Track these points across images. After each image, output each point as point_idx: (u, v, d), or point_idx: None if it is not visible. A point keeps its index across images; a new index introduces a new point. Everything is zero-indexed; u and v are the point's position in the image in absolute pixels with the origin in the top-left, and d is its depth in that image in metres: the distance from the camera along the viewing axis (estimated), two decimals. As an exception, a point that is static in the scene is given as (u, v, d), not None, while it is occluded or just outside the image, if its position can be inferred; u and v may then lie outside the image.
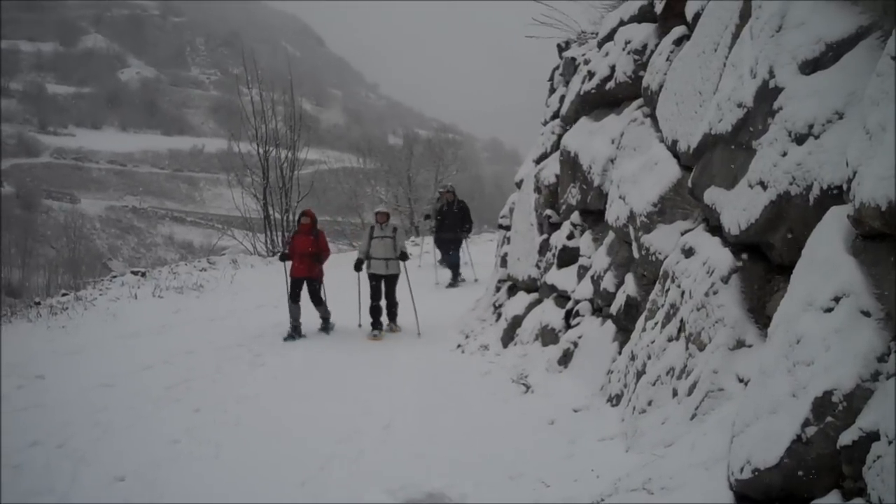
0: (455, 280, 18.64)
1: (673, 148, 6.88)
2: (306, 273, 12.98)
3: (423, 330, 13.11)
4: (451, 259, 18.73)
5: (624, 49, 8.79)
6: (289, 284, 13.11)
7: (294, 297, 12.89)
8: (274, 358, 11.27)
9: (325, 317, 13.36)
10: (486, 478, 5.89)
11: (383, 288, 13.26)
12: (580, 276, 9.12)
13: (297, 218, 14.12)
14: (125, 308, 15.96)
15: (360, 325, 13.34)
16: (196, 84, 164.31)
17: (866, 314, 3.20)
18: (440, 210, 19.04)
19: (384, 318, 13.37)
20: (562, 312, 9.33)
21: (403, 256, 13.21)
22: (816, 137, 4.09)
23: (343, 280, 15.08)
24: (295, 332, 12.78)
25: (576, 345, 8.42)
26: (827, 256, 3.61)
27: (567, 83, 11.67)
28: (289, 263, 13.32)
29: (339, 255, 22.01)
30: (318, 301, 13.17)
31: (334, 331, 13.30)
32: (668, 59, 7.52)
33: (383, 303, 13.32)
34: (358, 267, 13.24)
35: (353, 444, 7.17)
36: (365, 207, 38.27)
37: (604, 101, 9.59)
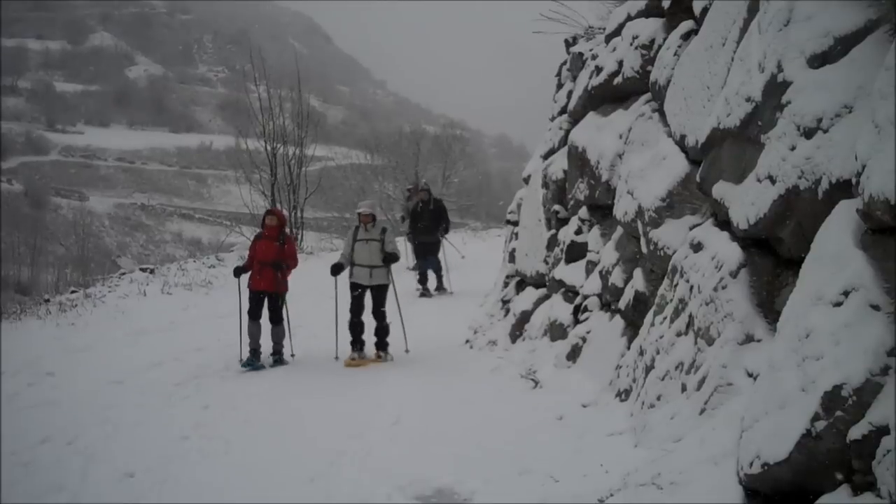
0: (440, 286, 17.03)
1: (681, 142, 6.87)
2: (270, 286, 10.91)
3: (411, 350, 11.34)
4: (432, 266, 16.98)
5: (631, 44, 8.77)
6: (246, 300, 11.08)
7: (254, 314, 10.85)
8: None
9: (280, 345, 11.04)
10: (495, 473, 5.90)
11: (368, 302, 11.08)
12: (588, 272, 9.11)
13: (261, 219, 11.61)
14: (134, 305, 16.01)
15: (336, 358, 10.97)
16: (204, 81, 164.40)
17: (876, 308, 3.19)
18: (414, 211, 17.18)
19: (369, 347, 11.10)
20: (570, 308, 9.33)
21: (389, 258, 11.00)
22: (825, 131, 4.08)
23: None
24: (254, 358, 10.65)
25: (584, 340, 8.42)
26: (836, 250, 3.60)
27: (574, 79, 11.65)
28: (245, 278, 11.21)
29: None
30: (277, 319, 11.00)
31: (297, 361, 11.10)
32: (675, 54, 7.50)
33: (367, 318, 11.09)
34: (336, 270, 11.11)
35: (361, 441, 7.17)
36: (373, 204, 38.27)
37: (611, 96, 9.57)
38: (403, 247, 18.56)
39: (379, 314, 11.08)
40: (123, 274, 22.17)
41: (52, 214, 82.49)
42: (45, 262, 60.64)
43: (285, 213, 11.60)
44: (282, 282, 11.05)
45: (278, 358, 10.96)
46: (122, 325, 14.00)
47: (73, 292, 19.32)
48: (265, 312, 10.91)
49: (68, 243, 65.14)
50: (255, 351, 10.71)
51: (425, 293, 16.71)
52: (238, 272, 11.27)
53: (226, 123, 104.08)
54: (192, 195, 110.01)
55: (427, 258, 16.90)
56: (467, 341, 11.94)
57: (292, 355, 11.14)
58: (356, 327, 11.00)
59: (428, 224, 16.74)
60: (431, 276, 17.01)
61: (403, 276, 17.13)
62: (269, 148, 26.16)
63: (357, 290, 11.03)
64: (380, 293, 11.10)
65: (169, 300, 16.69)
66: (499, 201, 43.14)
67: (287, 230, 11.54)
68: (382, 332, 11.09)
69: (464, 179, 44.90)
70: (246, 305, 10.99)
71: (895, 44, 3.40)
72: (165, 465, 6.80)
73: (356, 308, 11.00)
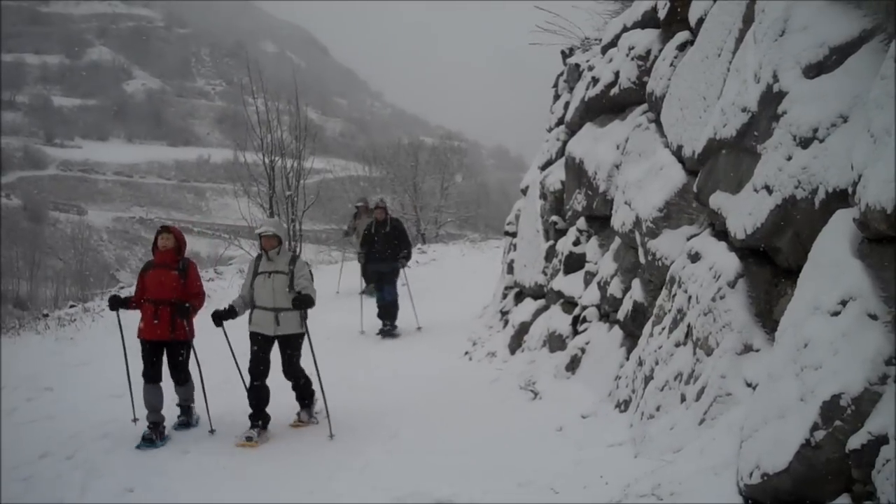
0: (392, 327, 13.62)
1: (678, 153, 6.88)
2: (168, 334, 8.16)
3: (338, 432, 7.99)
4: (387, 297, 13.65)
5: (628, 55, 8.80)
6: (129, 353, 8.51)
7: (151, 376, 8.11)
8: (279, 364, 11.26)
9: (187, 403, 8.47)
10: (495, 485, 5.88)
11: (278, 356, 8.28)
12: (587, 282, 9.12)
13: (153, 240, 8.54)
14: (133, 319, 15.94)
15: (211, 430, 8.28)
16: (201, 95, 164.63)
17: (873, 317, 3.20)
18: (368, 231, 13.96)
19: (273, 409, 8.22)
20: (569, 318, 9.33)
21: (301, 302, 7.94)
22: (821, 141, 4.09)
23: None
24: (154, 433, 7.83)
25: (583, 351, 8.41)
26: (833, 260, 3.61)
27: (571, 90, 11.68)
28: (131, 316, 8.59)
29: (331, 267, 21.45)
30: (181, 377, 8.31)
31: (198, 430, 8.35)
32: (671, 65, 7.53)
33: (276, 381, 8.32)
34: (220, 318, 8.23)
35: (360, 454, 7.16)
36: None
37: (608, 107, 9.60)
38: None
39: (292, 373, 8.35)
40: (122, 287, 22.13)
41: (50, 229, 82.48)
42: (44, 276, 60.58)
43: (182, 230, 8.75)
44: (185, 326, 8.31)
45: (184, 420, 8.40)
46: (120, 339, 13.94)
47: (71, 307, 19.32)
48: (165, 369, 8.28)
49: (67, 257, 65.11)
50: (155, 425, 7.94)
51: (389, 332, 13.60)
52: (115, 303, 8.46)
53: (224, 136, 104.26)
54: (191, 208, 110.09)
55: (382, 289, 13.74)
56: (466, 353, 11.92)
57: (211, 431, 8.20)
58: (257, 394, 8.09)
59: (383, 249, 13.60)
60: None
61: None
62: (267, 161, 26.14)
63: (257, 344, 8.19)
64: (291, 346, 8.27)
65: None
66: (497, 212, 43.20)
67: (188, 256, 8.68)
68: (301, 389, 8.50)
69: (462, 191, 44.98)
70: (134, 355, 8.50)
71: (890, 53, 3.41)
72: (165, 479, 6.78)
73: (257, 367, 8.13)
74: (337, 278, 17.95)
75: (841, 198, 3.82)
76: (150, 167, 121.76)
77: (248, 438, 7.74)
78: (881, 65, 3.51)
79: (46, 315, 18.00)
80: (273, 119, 26.72)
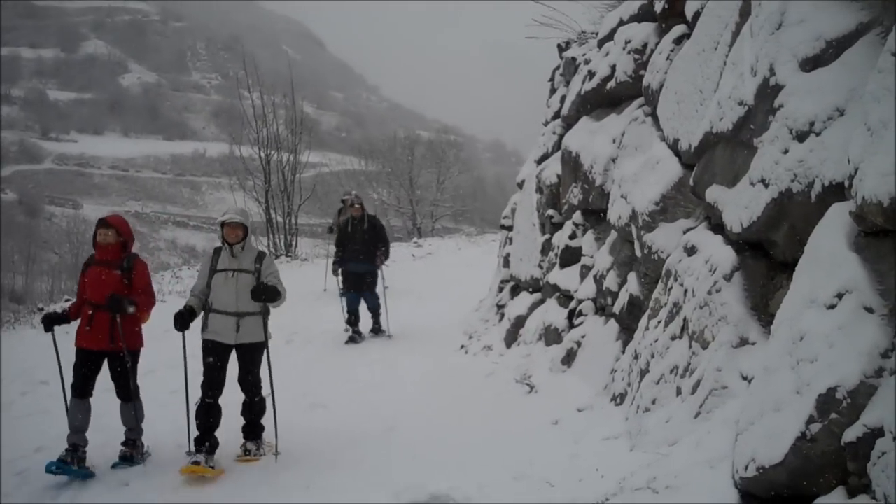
0: (379, 326, 13.07)
1: (674, 147, 6.88)
2: (107, 344, 7.03)
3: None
4: (367, 302, 12.88)
5: (624, 48, 8.79)
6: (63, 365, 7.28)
7: (81, 388, 7.04)
8: (278, 359, 11.24)
9: (135, 430, 7.27)
10: (491, 478, 5.88)
11: (236, 368, 7.28)
12: (583, 276, 9.12)
13: (93, 233, 7.32)
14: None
15: (189, 451, 6.93)
16: (197, 88, 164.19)
17: (869, 310, 3.20)
18: (343, 230, 13.07)
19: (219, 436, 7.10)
20: (565, 312, 9.33)
21: (262, 292, 6.95)
22: (818, 134, 4.09)
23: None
24: (72, 458, 6.71)
25: (579, 344, 8.42)
26: (829, 253, 3.61)
27: (568, 83, 11.68)
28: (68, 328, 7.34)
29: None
30: (126, 392, 7.19)
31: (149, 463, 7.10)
32: (668, 58, 7.52)
33: (228, 399, 7.17)
34: (182, 321, 7.09)
35: (356, 448, 7.16)
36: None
37: (604, 100, 9.59)
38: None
39: (249, 384, 7.31)
40: (67, 300, 22.12)
41: (45, 223, 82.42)
42: (39, 270, 60.61)
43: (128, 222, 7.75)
44: (130, 333, 7.13)
45: (128, 454, 7.10)
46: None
47: (67, 301, 19.28)
48: (103, 383, 7.18)
49: (62, 252, 65.05)
50: (75, 447, 6.82)
51: (354, 337, 12.64)
52: (50, 322, 7.37)
53: (220, 130, 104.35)
54: (187, 202, 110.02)
55: (360, 293, 12.83)
56: (462, 346, 11.93)
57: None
58: (209, 413, 7.03)
59: (361, 248, 12.72)
60: (364, 313, 12.98)
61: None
62: (262, 155, 26.17)
63: (214, 354, 7.13)
64: (251, 354, 7.25)
65: (163, 308, 16.44)
66: (493, 206, 43.23)
67: (136, 252, 7.48)
68: (255, 410, 7.40)
69: (458, 185, 45.05)
70: (69, 373, 7.24)
71: (887, 46, 3.41)
72: (161, 473, 6.77)
73: (212, 383, 7.07)
74: (324, 275, 17.19)
75: (837, 191, 3.81)
76: (146, 161, 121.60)
77: (196, 463, 6.65)
78: (878, 58, 3.51)
79: (42, 309, 17.97)
80: (269, 113, 26.78)
